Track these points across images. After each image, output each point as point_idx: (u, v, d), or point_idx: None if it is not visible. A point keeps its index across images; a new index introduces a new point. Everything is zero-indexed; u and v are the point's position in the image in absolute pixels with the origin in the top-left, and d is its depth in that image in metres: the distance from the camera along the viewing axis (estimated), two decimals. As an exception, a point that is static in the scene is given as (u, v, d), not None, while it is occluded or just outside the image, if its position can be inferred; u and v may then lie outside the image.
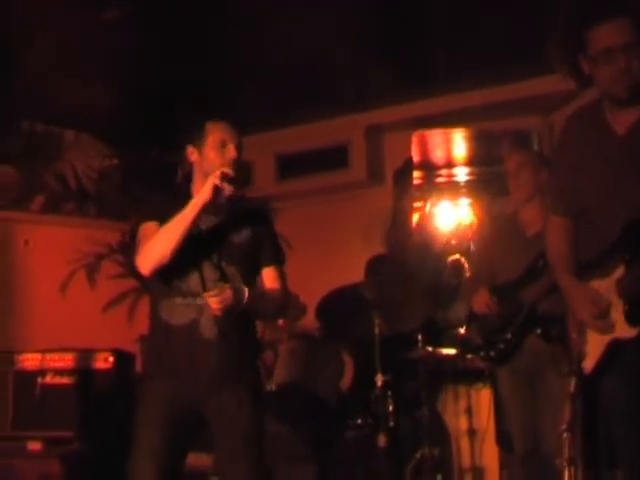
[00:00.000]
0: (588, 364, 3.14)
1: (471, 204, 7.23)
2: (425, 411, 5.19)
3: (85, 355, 5.57)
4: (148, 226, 3.47)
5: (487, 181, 6.91)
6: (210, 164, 3.48)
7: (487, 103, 6.26)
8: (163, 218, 3.42)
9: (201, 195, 3.38)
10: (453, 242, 7.03)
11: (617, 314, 2.99)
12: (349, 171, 6.81)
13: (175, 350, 3.42)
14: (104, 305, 6.49)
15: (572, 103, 6.07)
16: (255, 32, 5.66)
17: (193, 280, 3.43)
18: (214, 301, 3.33)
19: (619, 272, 2.97)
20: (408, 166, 6.69)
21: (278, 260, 3.69)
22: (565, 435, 3.82)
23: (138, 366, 5.88)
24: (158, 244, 3.37)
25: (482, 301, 4.42)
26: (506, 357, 4.40)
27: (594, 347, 3.10)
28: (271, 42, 5.70)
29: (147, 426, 3.40)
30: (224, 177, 3.36)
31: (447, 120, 6.55)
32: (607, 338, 3.02)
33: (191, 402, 3.43)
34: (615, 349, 3.02)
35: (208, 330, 3.42)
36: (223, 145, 3.48)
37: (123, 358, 5.70)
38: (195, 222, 3.38)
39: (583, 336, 3.16)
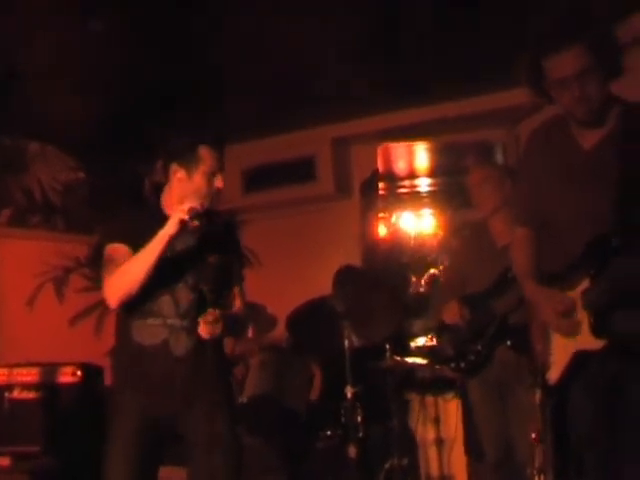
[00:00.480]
0: (553, 375, 3.15)
1: (434, 214, 7.30)
2: (394, 421, 5.22)
3: (51, 369, 5.55)
4: (114, 248, 3.42)
5: (450, 192, 6.96)
6: (196, 190, 3.44)
7: (453, 115, 6.34)
8: (130, 238, 3.40)
9: (167, 230, 3.33)
10: (419, 253, 7.10)
11: (582, 327, 2.99)
12: (316, 184, 6.85)
13: (147, 369, 3.42)
14: (72, 318, 6.44)
15: (537, 115, 6.19)
16: (221, 46, 5.66)
17: (164, 302, 3.43)
18: (207, 327, 3.34)
19: (584, 285, 2.99)
20: (374, 177, 6.74)
21: (242, 279, 3.71)
22: (536, 444, 3.89)
23: (107, 379, 5.87)
24: (125, 278, 3.34)
25: (453, 311, 4.47)
26: (477, 368, 4.44)
27: (559, 357, 3.11)
28: (237, 56, 5.71)
29: (119, 439, 3.40)
30: (193, 213, 3.32)
31: (413, 132, 6.62)
32: (572, 349, 3.03)
33: (164, 417, 3.43)
34: (580, 360, 3.03)
35: (180, 348, 3.43)
36: (213, 174, 3.46)
37: (91, 372, 5.68)
38: (162, 254, 3.34)
39: (548, 346, 3.16)
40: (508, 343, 4.26)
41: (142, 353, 3.42)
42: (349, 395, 4.96)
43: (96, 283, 6.47)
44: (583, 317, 2.99)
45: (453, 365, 4.60)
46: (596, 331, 2.95)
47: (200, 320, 3.34)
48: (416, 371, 5.75)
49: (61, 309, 6.43)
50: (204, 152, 3.44)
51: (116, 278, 3.35)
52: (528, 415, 4.12)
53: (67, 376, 5.54)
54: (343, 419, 5.11)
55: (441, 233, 7.25)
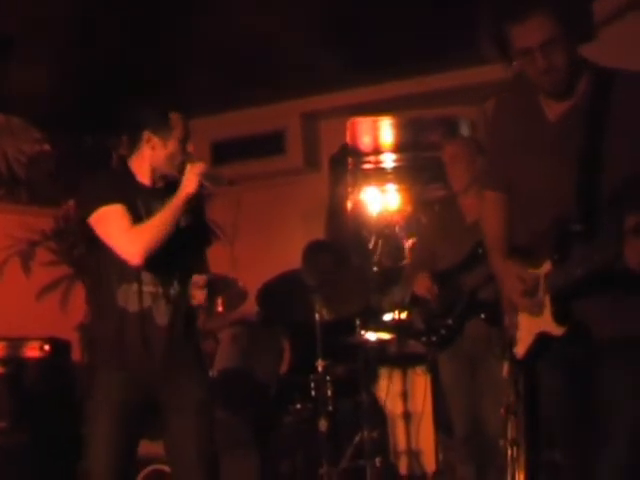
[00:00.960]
0: (519, 349, 3.10)
1: (399, 190, 7.30)
2: (363, 395, 5.24)
3: (17, 344, 5.51)
4: (113, 209, 3.41)
5: (415, 167, 6.98)
6: (171, 156, 3.52)
7: (422, 91, 6.35)
8: (119, 199, 3.41)
9: (187, 188, 3.42)
10: (384, 228, 7.11)
11: (545, 309, 2.94)
12: (285, 157, 6.83)
13: (131, 337, 3.43)
14: (38, 292, 6.38)
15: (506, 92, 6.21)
16: (190, 16, 5.59)
17: (145, 268, 3.43)
18: (199, 293, 3.46)
19: (547, 267, 2.93)
20: (344, 152, 6.73)
21: (209, 245, 3.82)
22: (508, 417, 3.92)
23: (75, 354, 5.84)
24: (154, 233, 3.39)
25: (423, 285, 4.49)
26: (447, 342, 4.48)
27: (524, 334, 3.07)
28: (206, 26, 5.64)
29: (102, 413, 3.40)
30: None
31: (383, 107, 6.61)
32: (535, 329, 2.99)
33: (146, 388, 3.45)
34: (543, 342, 2.98)
35: (161, 317, 3.46)
36: (185, 140, 3.55)
37: (58, 346, 5.65)
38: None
39: (514, 321, 3.12)
40: (482, 316, 4.28)
41: (126, 319, 3.43)
42: (320, 369, 4.96)
43: (62, 256, 6.48)
44: (547, 300, 2.94)
45: (424, 339, 4.64)
46: (557, 317, 2.91)
47: (192, 286, 3.45)
48: (385, 346, 5.77)
49: (27, 283, 6.35)
50: (176, 119, 3.53)
51: (144, 233, 3.39)
52: (500, 388, 4.18)
53: (34, 350, 5.51)
54: (313, 393, 5.11)
55: (407, 209, 7.26)
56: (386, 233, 6.94)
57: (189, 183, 3.43)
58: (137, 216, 3.45)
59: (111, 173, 3.70)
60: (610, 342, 2.88)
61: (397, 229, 7.00)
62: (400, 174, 7.18)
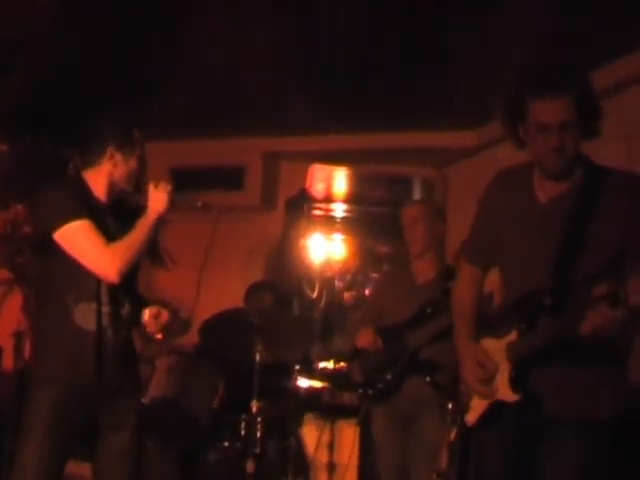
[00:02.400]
0: (471, 417, 3.15)
1: (345, 240, 7.36)
2: (292, 441, 5.22)
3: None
4: (81, 225, 3.38)
5: (365, 221, 7.05)
6: (131, 174, 3.56)
7: (386, 147, 6.43)
8: (85, 214, 3.40)
9: (157, 207, 3.50)
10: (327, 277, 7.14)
11: (503, 377, 3.01)
12: (243, 193, 6.87)
13: (86, 356, 3.39)
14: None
15: (467, 160, 6.35)
16: (167, 41, 5.62)
17: (101, 287, 3.42)
18: (154, 322, 3.54)
19: (513, 336, 3.00)
20: (301, 196, 6.76)
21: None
22: (437, 480, 3.95)
23: (6, 361, 5.74)
24: (133, 251, 3.43)
25: (367, 337, 4.50)
26: (383, 397, 4.49)
27: (478, 402, 3.12)
28: (180, 52, 5.66)
29: (39, 427, 3.34)
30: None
31: (345, 157, 6.70)
32: (497, 396, 3.04)
33: (90, 407, 3.43)
34: (497, 409, 3.04)
35: (114, 337, 3.45)
36: (144, 159, 3.61)
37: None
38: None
39: (469, 389, 3.19)
40: (427, 379, 4.31)
41: (83, 338, 3.39)
42: (254, 409, 4.94)
43: (4, 261, 6.37)
44: (505, 368, 3.01)
45: (360, 391, 4.65)
46: (513, 385, 2.97)
47: (146, 313, 3.51)
48: (318, 394, 5.76)
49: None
50: (139, 137, 3.58)
51: (122, 251, 3.40)
52: (433, 451, 4.22)
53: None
54: (243, 432, 5.07)
55: (352, 261, 7.31)
56: (329, 282, 6.99)
57: (159, 202, 3.48)
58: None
59: (70, 185, 3.59)
60: (559, 421, 2.94)
61: (337, 280, 7.05)
62: (349, 225, 7.25)
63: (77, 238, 3.38)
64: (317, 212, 7.29)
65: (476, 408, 3.15)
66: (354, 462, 5.53)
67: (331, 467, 5.72)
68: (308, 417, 5.88)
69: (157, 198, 3.49)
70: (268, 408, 5.16)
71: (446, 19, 5.06)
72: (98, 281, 3.40)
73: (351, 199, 7.15)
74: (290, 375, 5.29)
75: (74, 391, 3.37)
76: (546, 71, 3.01)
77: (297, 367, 5.27)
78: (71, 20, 5.38)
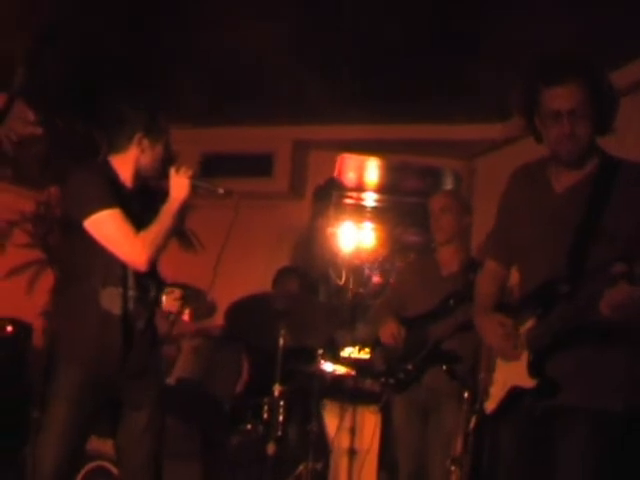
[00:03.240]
0: (490, 405, 3.23)
1: (375, 229, 7.42)
2: (314, 425, 5.29)
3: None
4: (111, 214, 3.44)
5: (393, 210, 7.10)
6: (157, 159, 3.63)
7: (415, 138, 6.47)
8: (116, 202, 3.46)
9: (180, 193, 3.56)
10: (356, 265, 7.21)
11: (521, 363, 3.08)
12: (272, 181, 6.96)
13: (113, 339, 3.48)
14: (7, 272, 6.38)
15: (495, 153, 6.37)
16: (203, 29, 5.68)
17: (127, 272, 3.50)
18: (175, 303, 3.62)
19: (531, 323, 3.08)
20: (330, 185, 6.82)
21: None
22: (453, 468, 4.02)
23: (36, 339, 5.86)
24: (158, 239, 3.50)
25: (390, 332, 4.56)
26: (404, 387, 4.56)
27: (497, 389, 3.20)
28: (218, 41, 5.73)
29: (64, 403, 3.42)
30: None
31: (373, 147, 6.73)
32: (509, 383, 3.12)
33: (112, 387, 3.51)
34: (515, 395, 3.11)
35: (140, 321, 3.55)
36: (170, 145, 3.67)
37: (21, 329, 5.68)
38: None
39: (490, 376, 3.26)
40: (444, 368, 4.37)
41: (110, 322, 3.47)
42: (276, 393, 5.01)
43: (37, 240, 6.49)
44: (524, 355, 3.08)
45: (382, 380, 4.72)
46: (530, 369, 3.05)
47: (165, 295, 3.59)
48: (342, 380, 5.83)
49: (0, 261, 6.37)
50: (166, 125, 3.65)
51: (150, 240, 3.48)
52: (449, 439, 4.28)
53: (-3, 329, 5.54)
54: (265, 415, 5.15)
55: (382, 249, 7.37)
56: (357, 270, 7.05)
57: (181, 188, 3.54)
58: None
59: (100, 171, 3.61)
60: (573, 410, 3.00)
61: (366, 267, 7.11)
62: (379, 214, 7.30)
63: (107, 227, 3.44)
64: (348, 201, 7.36)
65: (495, 396, 3.23)
66: (375, 448, 5.59)
67: (352, 452, 5.78)
68: (330, 402, 5.95)
69: (179, 184, 3.54)
70: (290, 392, 5.25)
71: (478, 12, 5.10)
72: (124, 266, 3.48)
73: (382, 189, 7.21)
74: (313, 360, 5.33)
75: (99, 372, 3.47)
76: (558, 61, 3.08)
77: (320, 352, 5.30)
78: (105, 5, 5.48)
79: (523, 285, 3.22)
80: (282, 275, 5.95)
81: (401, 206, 6.95)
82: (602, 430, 2.98)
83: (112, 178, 3.56)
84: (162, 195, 3.74)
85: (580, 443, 2.99)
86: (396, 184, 7.07)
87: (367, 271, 7.07)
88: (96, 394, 3.47)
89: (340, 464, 5.82)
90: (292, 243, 6.75)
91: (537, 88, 3.07)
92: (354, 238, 7.34)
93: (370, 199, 7.35)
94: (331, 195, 6.80)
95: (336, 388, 5.89)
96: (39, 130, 6.81)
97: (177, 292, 3.61)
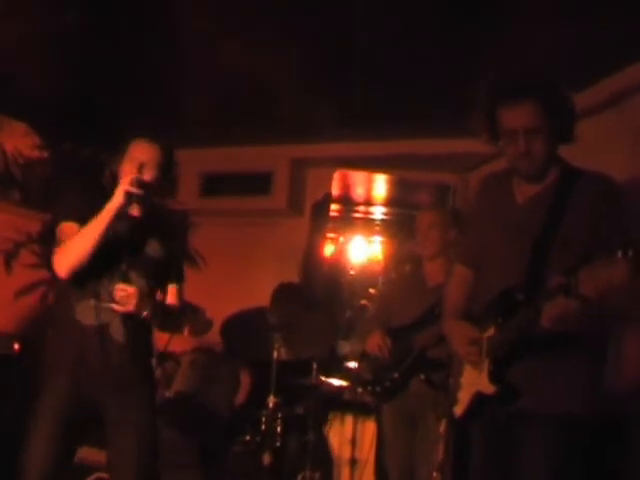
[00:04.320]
0: (458, 410, 3.34)
1: (383, 242, 7.55)
2: (311, 436, 5.41)
3: (-12, 340, 5.65)
4: (68, 226, 3.57)
5: (401, 223, 7.23)
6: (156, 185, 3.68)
7: (410, 153, 6.57)
8: (83, 218, 3.54)
9: (113, 201, 3.51)
10: (360, 277, 7.35)
11: (483, 370, 3.20)
12: (270, 198, 7.07)
13: (86, 349, 3.58)
14: (17, 292, 6.54)
15: (487, 166, 6.46)
16: (198, 48, 5.79)
17: (104, 285, 3.59)
18: (119, 302, 3.53)
19: (491, 331, 3.19)
20: (327, 200, 6.97)
21: (181, 278, 3.90)
22: (435, 475, 4.13)
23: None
24: (74, 249, 3.51)
25: (375, 342, 4.69)
26: (391, 395, 4.68)
27: (464, 394, 3.32)
28: (212, 61, 5.85)
29: (46, 413, 3.54)
30: (136, 182, 3.53)
31: (369, 163, 6.84)
32: (473, 389, 3.23)
33: (94, 399, 3.60)
34: (479, 400, 3.23)
35: (117, 332, 3.61)
36: (141, 167, 3.62)
37: (29, 346, 5.80)
38: (109, 228, 3.51)
39: (457, 381, 3.37)
40: (422, 376, 4.49)
41: (83, 333, 3.57)
42: (270, 404, 5.15)
43: (44, 260, 6.65)
44: (485, 362, 3.20)
45: (369, 389, 4.84)
46: (491, 377, 3.16)
47: (117, 292, 3.53)
48: (342, 392, 5.95)
49: (8, 282, 6.52)
50: (131, 144, 3.68)
51: (64, 251, 3.53)
52: (434, 447, 4.39)
53: (4, 348, 5.65)
54: (263, 427, 5.28)
55: (384, 261, 7.51)
56: (361, 282, 7.19)
57: (115, 196, 3.51)
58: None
59: (92, 188, 3.80)
60: (533, 415, 3.11)
61: (372, 280, 7.25)
62: (387, 227, 7.44)
63: (56, 238, 3.60)
64: (356, 215, 7.52)
65: (462, 401, 3.34)
66: (372, 457, 5.72)
67: (353, 462, 5.91)
68: (333, 414, 6.08)
69: (116, 193, 3.53)
70: (287, 404, 5.37)
71: (476, 27, 5.19)
72: (98, 278, 3.59)
73: (390, 202, 7.35)
74: (310, 373, 5.46)
75: (79, 382, 3.57)
76: (512, 81, 3.20)
77: (315, 365, 5.43)
78: (103, 27, 5.62)
79: (483, 293, 3.32)
80: (280, 291, 6.09)
81: (407, 218, 7.07)
82: (563, 434, 3.08)
83: (109, 196, 3.60)
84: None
85: (542, 448, 3.09)
86: (405, 198, 7.20)
87: (368, 283, 7.21)
88: (79, 405, 3.57)
89: (342, 474, 5.95)
90: (291, 259, 6.87)
91: (494, 108, 3.19)
92: (363, 251, 7.50)
93: (378, 212, 7.51)
94: (328, 210, 6.94)
95: (336, 400, 6.02)
96: (45, 153, 6.99)
97: (130, 289, 3.53)
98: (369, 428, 5.87)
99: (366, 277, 7.52)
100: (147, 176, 3.61)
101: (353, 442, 5.95)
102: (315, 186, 7.12)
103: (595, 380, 3.19)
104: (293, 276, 6.71)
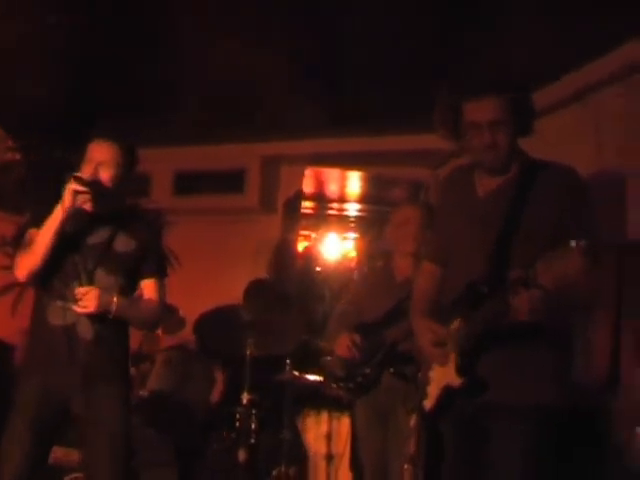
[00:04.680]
0: (427, 404, 3.38)
1: (357, 239, 7.60)
2: (286, 432, 5.44)
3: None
4: (32, 233, 3.66)
5: (375, 219, 7.27)
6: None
7: (382, 150, 6.63)
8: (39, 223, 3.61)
9: (62, 203, 3.55)
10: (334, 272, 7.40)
11: (451, 364, 3.24)
12: (243, 197, 7.11)
13: (54, 348, 3.62)
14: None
15: (457, 160, 6.52)
16: (171, 49, 5.82)
17: (73, 285, 3.64)
18: (79, 302, 3.58)
19: (457, 324, 3.23)
20: (298, 197, 7.01)
21: (159, 273, 3.91)
22: (406, 467, 4.17)
23: (18, 359, 6.01)
24: (30, 251, 3.60)
25: (344, 344, 4.72)
26: (363, 390, 4.71)
27: (433, 388, 3.35)
28: (183, 61, 5.88)
29: (18, 414, 3.59)
30: (79, 180, 3.57)
31: (342, 160, 6.88)
32: (442, 382, 3.28)
33: (63, 398, 3.63)
34: (448, 394, 3.27)
35: (85, 331, 3.65)
36: (98, 167, 3.67)
37: (3, 348, 5.81)
38: (63, 228, 3.56)
39: (426, 375, 3.41)
40: (391, 370, 4.53)
41: (51, 332, 3.63)
42: (244, 401, 5.18)
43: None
44: (452, 355, 3.24)
45: (342, 385, 4.87)
46: (458, 369, 3.20)
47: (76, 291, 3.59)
48: (313, 386, 5.99)
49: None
50: (90, 145, 3.73)
51: (22, 254, 3.63)
52: (406, 441, 4.44)
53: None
54: (237, 424, 5.31)
55: (358, 258, 7.56)
56: (335, 278, 7.23)
57: (63, 197, 3.55)
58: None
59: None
60: (500, 406, 3.15)
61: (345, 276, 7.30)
62: (361, 224, 7.49)
63: (24, 243, 3.69)
64: (330, 212, 7.57)
65: (432, 395, 3.37)
66: (348, 451, 5.76)
67: (329, 458, 5.95)
68: (308, 409, 6.12)
69: (64, 193, 3.56)
70: (261, 401, 5.39)
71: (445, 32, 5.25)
72: (64, 279, 3.64)
73: (363, 199, 7.39)
74: (283, 369, 5.50)
75: (48, 382, 3.61)
76: (477, 76, 3.28)
77: (288, 361, 5.47)
78: (80, 31, 5.63)
79: (450, 287, 3.37)
80: (252, 288, 6.11)
81: (381, 215, 7.10)
82: (532, 425, 3.13)
83: None
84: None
85: (511, 439, 3.13)
86: (379, 195, 7.24)
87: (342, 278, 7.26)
88: (50, 405, 3.61)
89: (318, 469, 5.99)
90: (264, 256, 6.91)
91: (458, 103, 3.26)
92: (337, 248, 7.55)
93: (352, 209, 7.56)
94: (299, 207, 6.98)
95: (311, 395, 6.05)
96: (18, 156, 6.98)
97: (90, 290, 3.58)
98: (344, 423, 5.92)
99: (340, 273, 7.58)
100: (104, 175, 3.65)
101: (329, 437, 5.99)
102: (288, 183, 7.16)
103: (563, 371, 3.24)
104: (265, 273, 6.74)
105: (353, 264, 7.74)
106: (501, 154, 3.25)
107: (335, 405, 5.97)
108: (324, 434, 6.02)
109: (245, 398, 5.17)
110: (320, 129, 6.53)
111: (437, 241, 3.57)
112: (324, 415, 6.07)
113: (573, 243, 2.77)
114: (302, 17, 5.44)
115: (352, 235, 7.81)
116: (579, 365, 3.66)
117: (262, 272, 6.68)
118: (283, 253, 6.96)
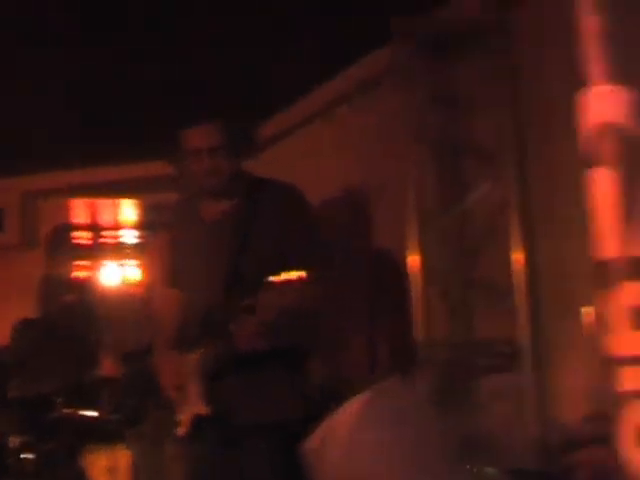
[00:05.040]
0: (181, 431, 3.34)
1: (137, 265, 7.53)
2: (68, 471, 5.32)
3: None
4: None
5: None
6: None
7: (135, 176, 6.63)
8: None
9: None
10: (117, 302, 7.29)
11: (195, 389, 3.26)
12: (3, 235, 6.93)
13: None
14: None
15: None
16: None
17: None
18: None
19: (199, 352, 3.25)
20: (65, 229, 6.88)
21: None
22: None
23: None
24: None
25: (108, 365, 4.69)
26: (132, 422, 4.70)
27: (185, 416, 3.31)
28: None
29: None
30: None
31: (104, 189, 6.84)
32: (190, 411, 3.27)
33: None
34: (197, 421, 3.25)
35: None
36: None
37: None
38: None
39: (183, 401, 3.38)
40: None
41: None
42: (11, 445, 5.03)
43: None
44: (196, 383, 3.26)
45: (113, 417, 4.83)
46: (203, 399, 3.23)
47: None
48: (89, 421, 5.88)
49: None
50: None
51: None
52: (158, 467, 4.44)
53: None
54: (11, 470, 5.15)
55: (139, 284, 7.49)
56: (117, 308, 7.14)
57: None
58: None
59: None
60: (245, 427, 3.22)
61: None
62: (139, 250, 7.42)
63: None
64: (105, 240, 7.45)
65: (184, 422, 3.37)
66: (131, 483, 5.70)
67: (112, 491, 5.86)
68: (87, 445, 5.99)
69: None
70: (37, 442, 5.25)
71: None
72: None
73: (140, 226, 7.34)
74: (55, 406, 5.38)
75: None
76: (192, 104, 3.36)
77: (59, 400, 5.35)
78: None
79: (191, 315, 3.37)
80: (17, 327, 5.94)
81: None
82: (275, 440, 3.21)
83: None
84: None
85: (260, 455, 3.21)
86: (155, 220, 7.21)
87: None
88: None
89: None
90: (30, 294, 6.74)
91: (179, 130, 3.30)
92: (115, 275, 7.44)
93: (130, 236, 7.48)
94: (63, 239, 6.86)
95: (86, 429, 5.93)
96: None
97: None
98: (124, 455, 5.84)
99: (120, 301, 7.47)
100: None
101: (112, 471, 5.89)
102: (49, 217, 7.02)
103: (299, 386, 3.33)
104: (33, 310, 6.58)
105: (133, 291, 7.65)
106: (221, 178, 3.29)
107: (113, 438, 5.88)
108: (106, 468, 5.91)
109: (13, 442, 5.01)
110: (72, 160, 6.47)
111: (170, 267, 3.55)
112: (104, 449, 5.95)
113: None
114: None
115: (131, 261, 7.73)
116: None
117: (31, 309, 6.51)
118: (49, 288, 6.81)
